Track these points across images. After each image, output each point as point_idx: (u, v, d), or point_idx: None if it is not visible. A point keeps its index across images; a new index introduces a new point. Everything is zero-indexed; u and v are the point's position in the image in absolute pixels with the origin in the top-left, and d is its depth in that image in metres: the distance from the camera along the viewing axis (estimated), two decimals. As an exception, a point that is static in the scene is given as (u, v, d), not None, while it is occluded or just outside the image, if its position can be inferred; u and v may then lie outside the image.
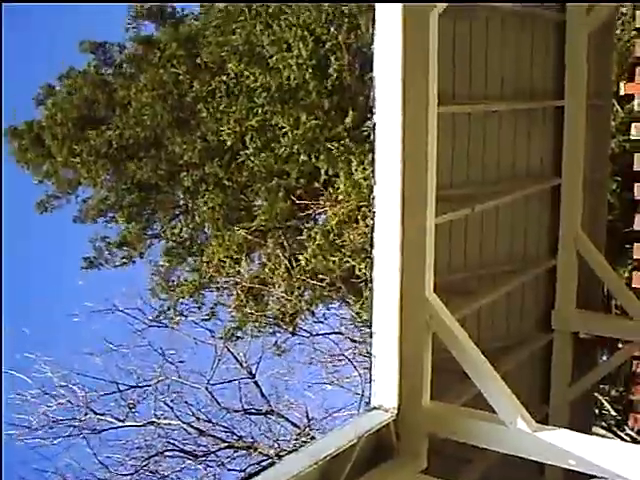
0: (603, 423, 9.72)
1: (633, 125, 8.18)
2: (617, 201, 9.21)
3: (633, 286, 8.15)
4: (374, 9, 4.42)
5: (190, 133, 10.82)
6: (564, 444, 4.55)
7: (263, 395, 12.00)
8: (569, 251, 6.53)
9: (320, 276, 10.11)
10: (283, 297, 10.52)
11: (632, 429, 9.45)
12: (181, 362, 12.13)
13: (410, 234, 4.55)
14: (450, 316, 4.72)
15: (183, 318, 11.96)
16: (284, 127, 9.94)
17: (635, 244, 8.36)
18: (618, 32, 9.06)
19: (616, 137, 8.93)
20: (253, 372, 11.98)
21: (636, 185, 8.23)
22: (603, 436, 8.95)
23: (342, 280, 10.03)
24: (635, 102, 8.09)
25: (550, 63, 6.41)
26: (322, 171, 9.81)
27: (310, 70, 9.83)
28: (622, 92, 8.10)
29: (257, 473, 4.06)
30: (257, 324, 11.17)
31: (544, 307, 6.60)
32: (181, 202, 11.70)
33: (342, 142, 9.57)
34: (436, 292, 4.72)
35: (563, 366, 6.64)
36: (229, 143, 10.41)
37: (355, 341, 10.75)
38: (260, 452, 11.22)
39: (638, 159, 8.15)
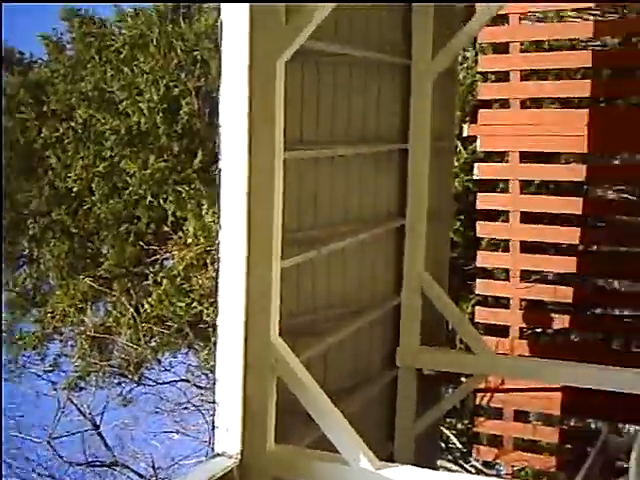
0: (449, 456, 9.99)
1: (475, 165, 8.57)
2: (461, 239, 9.55)
3: (476, 321, 8.50)
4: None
5: (37, 180, 10.56)
6: (409, 480, 4.66)
7: (107, 446, 11.75)
8: (413, 289, 6.71)
9: (167, 323, 10.01)
10: (128, 345, 10.34)
11: (477, 460, 9.77)
12: (21, 417, 11.74)
13: (255, 279, 4.57)
14: (295, 359, 4.76)
15: (25, 371, 11.57)
16: (132, 171, 9.85)
17: (477, 280, 8.74)
18: (460, 77, 9.45)
19: (459, 177, 9.28)
20: (97, 423, 11.73)
21: (478, 223, 8.61)
22: (449, 469, 9.21)
23: (190, 326, 9.96)
24: (477, 143, 8.47)
25: (396, 107, 6.61)
26: (170, 214, 9.75)
27: (160, 114, 9.80)
28: (465, 133, 8.47)
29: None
30: (101, 374, 10.93)
31: (390, 345, 6.75)
32: (26, 251, 11.35)
33: (192, 185, 9.57)
34: (282, 335, 4.76)
35: (408, 402, 6.79)
36: (76, 190, 10.22)
37: (202, 388, 10.69)
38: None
39: (480, 198, 8.54)
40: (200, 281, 9.33)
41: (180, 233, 9.61)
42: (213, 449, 4.68)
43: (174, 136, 9.95)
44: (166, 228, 9.73)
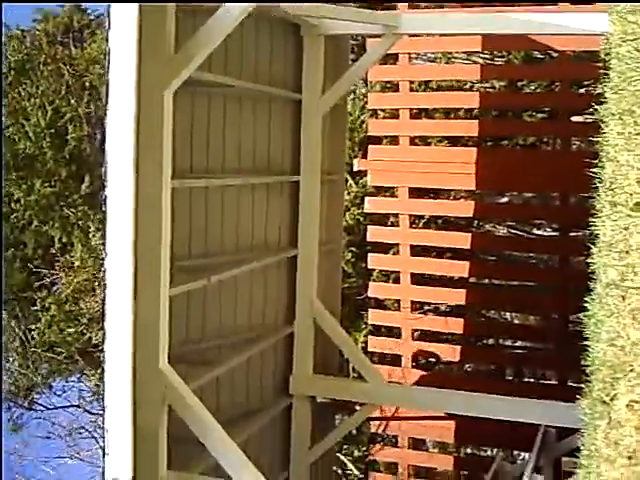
0: (348, 483, 10.04)
1: (366, 199, 8.76)
2: (353, 269, 9.72)
3: (369, 350, 8.63)
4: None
5: None
6: (299, 508, 4.72)
7: (-3, 475, 11.34)
8: (305, 318, 6.80)
9: (57, 348, 9.85)
10: (18, 371, 10.11)
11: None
12: None
13: (143, 305, 4.58)
14: (185, 387, 4.77)
15: None
16: (17, 196, 9.69)
17: (369, 310, 8.89)
18: (350, 112, 9.66)
19: (351, 210, 9.47)
20: (-15, 451, 11.33)
21: (369, 255, 8.79)
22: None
23: (80, 351, 9.82)
24: (368, 177, 8.67)
25: (287, 140, 6.74)
26: (56, 239, 9.62)
27: (48, 139, 9.70)
28: (355, 168, 8.66)
29: None
30: (-8, 400, 10.63)
31: (283, 373, 6.80)
32: None
33: (78, 209, 9.48)
34: (172, 363, 4.77)
35: (302, 430, 6.84)
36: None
37: (94, 413, 10.52)
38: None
39: (370, 231, 8.73)
40: (89, 305, 9.23)
41: (67, 256, 9.47)
42: (104, 476, 4.63)
43: (62, 161, 9.85)
44: (53, 251, 9.58)
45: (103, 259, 4.58)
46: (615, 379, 3.54)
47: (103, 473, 4.71)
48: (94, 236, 9.16)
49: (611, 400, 3.50)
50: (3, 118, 10.53)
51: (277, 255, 6.59)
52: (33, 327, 9.85)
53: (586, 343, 3.83)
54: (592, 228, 3.92)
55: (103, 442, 4.79)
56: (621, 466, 3.18)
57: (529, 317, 9.45)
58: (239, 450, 4.78)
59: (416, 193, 8.57)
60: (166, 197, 4.63)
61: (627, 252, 3.65)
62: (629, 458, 3.15)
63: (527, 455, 7.98)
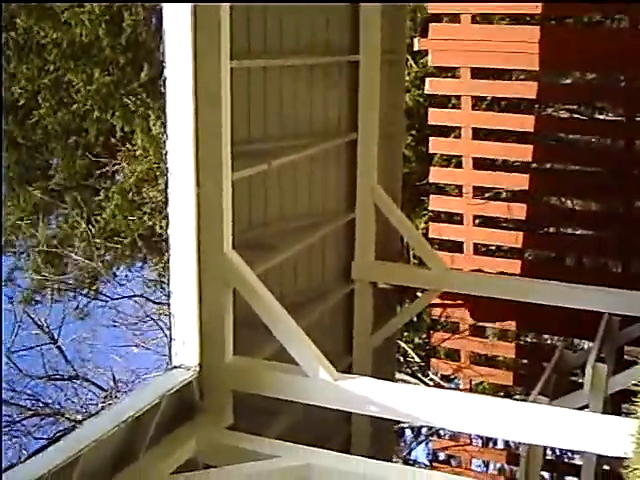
0: (408, 369, 10.11)
1: (427, 80, 8.48)
2: (413, 154, 9.52)
3: (429, 236, 8.52)
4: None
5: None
6: (366, 392, 4.68)
7: (67, 360, 11.70)
8: (366, 204, 6.69)
9: (121, 237, 9.91)
10: (82, 260, 10.22)
11: (435, 374, 9.90)
12: (-25, 332, 11.55)
13: (206, 191, 4.51)
14: (250, 272, 4.73)
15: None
16: (78, 85, 9.57)
17: (430, 196, 8.73)
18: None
19: (411, 91, 9.19)
20: (55, 337, 11.65)
21: (431, 139, 8.57)
22: (407, 382, 9.31)
23: (144, 240, 9.88)
24: (429, 58, 8.37)
25: (345, 18, 6.49)
26: (118, 128, 9.54)
27: (103, 26, 9.52)
28: (416, 47, 8.35)
29: (58, 439, 3.96)
30: (57, 288, 10.82)
31: (345, 259, 6.75)
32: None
33: (139, 97, 9.35)
34: (235, 249, 4.72)
35: (364, 316, 6.83)
36: (22, 101, 9.93)
37: (158, 303, 10.66)
38: (67, 418, 10.95)
39: (431, 114, 8.48)
40: (151, 194, 9.22)
41: (129, 146, 9.43)
42: (170, 362, 4.66)
43: (119, 48, 9.68)
44: (114, 141, 9.54)
45: (164, 147, 4.49)
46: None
47: (169, 360, 4.75)
48: (155, 125, 9.05)
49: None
50: (3, 119, 10.43)
51: (336, 140, 6.44)
52: (96, 217, 9.90)
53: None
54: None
55: (168, 331, 4.81)
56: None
57: (591, 204, 9.20)
58: (304, 335, 4.76)
59: (478, 74, 8.29)
60: (225, 78, 4.49)
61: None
62: None
63: (589, 344, 7.95)
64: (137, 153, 9.30)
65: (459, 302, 8.31)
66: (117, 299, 11.50)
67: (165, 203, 4.59)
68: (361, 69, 6.52)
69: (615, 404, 6.37)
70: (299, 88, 5.96)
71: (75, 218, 10.12)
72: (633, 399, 3.57)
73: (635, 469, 3.33)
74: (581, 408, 5.89)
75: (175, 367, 4.62)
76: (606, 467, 6.95)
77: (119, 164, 9.75)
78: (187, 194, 4.49)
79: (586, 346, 8.60)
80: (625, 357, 7.25)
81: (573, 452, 8.70)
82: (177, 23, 4.32)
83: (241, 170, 4.99)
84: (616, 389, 6.30)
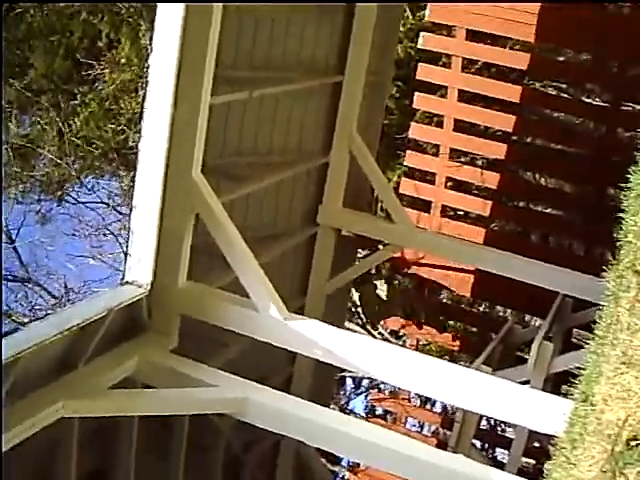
0: (358, 320, 10.14)
1: (421, 34, 8.36)
2: (395, 106, 9.41)
3: (400, 192, 8.48)
4: None
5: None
6: (314, 335, 4.69)
7: (22, 262, 11.59)
8: (342, 150, 6.61)
9: (93, 145, 9.72)
10: (52, 161, 10.01)
11: (385, 329, 9.95)
12: None
13: (182, 110, 4.42)
14: (215, 198, 4.67)
15: None
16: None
17: (407, 151, 8.67)
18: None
19: (404, 42, 9.05)
20: (13, 238, 11.50)
21: (416, 94, 8.48)
22: (356, 332, 9.34)
23: (116, 151, 9.71)
24: (427, 12, 8.24)
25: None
26: (104, 33, 9.28)
27: None
28: (416, -1, 8.23)
29: (-1, 338, 3.91)
30: (23, 187, 10.62)
31: (312, 202, 6.69)
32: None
33: (130, 5, 9.07)
34: (204, 174, 4.65)
35: (323, 260, 6.81)
36: (8, -7, 9.62)
37: (122, 214, 10.54)
38: (14, 320, 10.87)
39: (420, 68, 8.38)
40: (129, 105, 9.02)
41: (114, 52, 9.18)
42: (123, 277, 4.61)
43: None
44: (100, 44, 9.27)
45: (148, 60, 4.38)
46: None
47: (123, 275, 4.70)
48: (144, 36, 8.79)
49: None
50: (3, 117, 10.10)
51: (321, 79, 6.33)
52: (72, 120, 9.66)
53: (620, 215, 3.62)
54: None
55: (127, 246, 4.75)
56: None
57: (565, 184, 9.20)
58: (260, 270, 4.73)
59: (473, 37, 8.18)
60: (216, 1, 4.37)
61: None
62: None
63: (540, 322, 8.02)
64: (121, 62, 9.03)
65: (420, 260, 8.34)
66: (82, 203, 11.36)
67: (140, 116, 4.50)
68: (357, 11, 6.37)
69: (555, 384, 6.44)
70: (291, 21, 5.82)
71: (51, 118, 9.86)
72: (573, 381, 3.59)
73: (563, 448, 3.36)
74: (522, 383, 5.96)
75: (127, 283, 4.57)
76: (536, 444, 7.10)
77: (101, 73, 9.50)
78: (163, 111, 4.40)
79: (537, 324, 8.66)
80: (573, 340, 7.33)
81: (507, 425, 8.84)
82: None
83: (221, 95, 4.89)
84: (559, 369, 6.39)
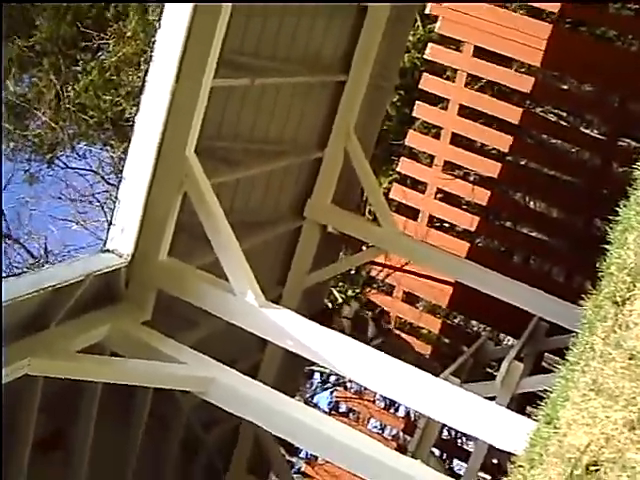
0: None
1: (430, 45, 8.41)
2: (396, 113, 9.47)
3: (390, 197, 8.55)
4: None
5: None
6: (287, 325, 4.73)
7: (4, 218, 11.54)
8: (337, 148, 6.66)
9: (89, 114, 9.71)
10: (46, 123, 9.99)
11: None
12: None
13: (184, 87, 4.45)
14: (205, 179, 4.70)
15: None
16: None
17: (401, 158, 8.73)
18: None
19: (411, 52, 9.11)
20: (-2, 193, 11.44)
21: (417, 103, 8.54)
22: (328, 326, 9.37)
23: (111, 122, 9.71)
24: (437, 25, 8.30)
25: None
26: (112, 5, 9.27)
27: None
28: (427, 10, 8.27)
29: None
30: (14, 145, 10.59)
31: (301, 195, 6.73)
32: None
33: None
34: (198, 154, 4.68)
35: (305, 254, 6.84)
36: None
37: (110, 184, 10.54)
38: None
39: (424, 79, 8.44)
40: (130, 78, 9.02)
41: (120, 24, 9.18)
42: (105, 245, 4.64)
43: None
44: (108, 15, 9.27)
45: (155, 35, 4.41)
46: (634, 282, 3.41)
47: (104, 244, 4.72)
48: (154, 11, 8.78)
49: (623, 303, 3.39)
50: (3, 117, 10.08)
51: (325, 75, 6.37)
52: (70, 86, 9.63)
53: (605, 247, 3.68)
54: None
55: (111, 216, 4.78)
56: (618, 364, 3.12)
57: (553, 210, 9.26)
58: (242, 254, 4.77)
59: (480, 54, 8.24)
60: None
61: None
62: (630, 358, 3.09)
63: (513, 342, 8.08)
64: (127, 35, 9.03)
65: (401, 266, 8.39)
66: (71, 169, 11.34)
67: (141, 90, 4.53)
68: (369, 13, 6.42)
69: (520, 404, 6.50)
70: (302, 15, 5.86)
71: (50, 81, 9.83)
72: (538, 403, 3.65)
73: (520, 466, 3.41)
74: (488, 399, 6.00)
75: (108, 251, 4.60)
76: (494, 460, 7.16)
77: (106, 43, 9.50)
78: (164, 87, 4.43)
79: (509, 343, 8.72)
80: (543, 364, 7.39)
81: (468, 438, 8.90)
82: None
83: (223, 78, 4.93)
84: (525, 390, 6.44)
